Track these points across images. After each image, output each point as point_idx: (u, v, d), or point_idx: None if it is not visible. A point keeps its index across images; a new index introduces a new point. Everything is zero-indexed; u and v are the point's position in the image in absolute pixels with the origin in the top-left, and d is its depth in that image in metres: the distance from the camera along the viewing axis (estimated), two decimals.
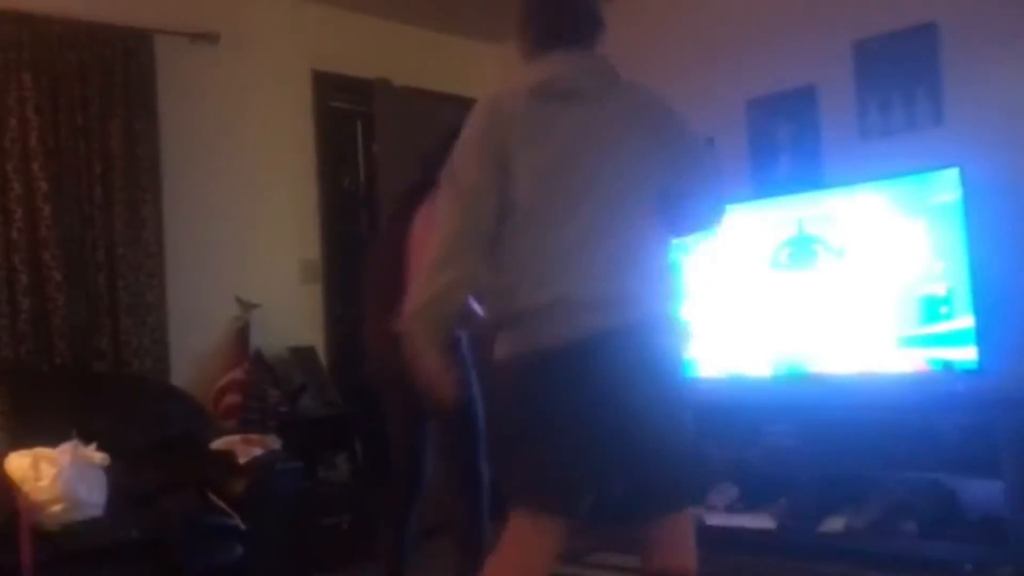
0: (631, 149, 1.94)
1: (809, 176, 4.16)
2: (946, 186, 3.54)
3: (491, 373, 1.97)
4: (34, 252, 3.68)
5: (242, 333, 4.18)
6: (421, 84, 4.90)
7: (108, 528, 2.93)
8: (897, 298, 3.66)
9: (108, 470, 3.04)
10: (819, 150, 4.18)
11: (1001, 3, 3.66)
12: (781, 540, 3.78)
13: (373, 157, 4.83)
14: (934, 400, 3.46)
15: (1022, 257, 3.58)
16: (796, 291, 3.95)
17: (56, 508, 2.85)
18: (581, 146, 1.91)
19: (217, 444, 3.51)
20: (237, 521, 3.16)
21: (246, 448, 3.45)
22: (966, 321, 3.48)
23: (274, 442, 3.58)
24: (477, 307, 2.30)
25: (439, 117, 4.95)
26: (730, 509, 3.98)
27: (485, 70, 5.50)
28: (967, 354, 3.47)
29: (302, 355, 4.41)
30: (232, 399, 3.97)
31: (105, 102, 3.89)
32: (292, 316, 4.51)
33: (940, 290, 3.55)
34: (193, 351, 4.14)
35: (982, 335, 3.46)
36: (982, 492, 3.54)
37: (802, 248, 3.93)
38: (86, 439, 3.05)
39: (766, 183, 4.30)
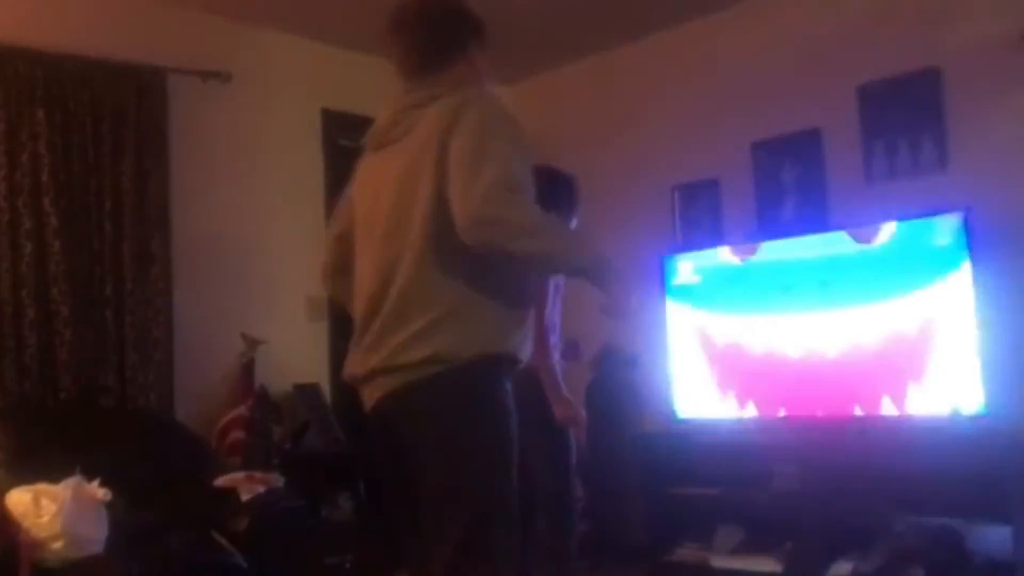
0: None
1: (815, 219, 4.17)
2: (951, 230, 3.55)
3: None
4: (42, 287, 3.70)
5: (247, 369, 4.18)
6: None
7: (109, 566, 2.90)
8: (904, 342, 3.65)
9: (110, 506, 3.02)
10: (825, 193, 4.20)
11: (1004, 48, 3.70)
12: None
13: None
14: (942, 444, 3.43)
15: None
16: (803, 334, 3.94)
17: (57, 545, 2.83)
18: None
19: (220, 481, 3.49)
20: (239, 559, 3.13)
21: (249, 485, 3.44)
22: (973, 365, 3.47)
23: (277, 480, 3.57)
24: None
25: None
26: (735, 552, 3.94)
27: None
28: (975, 398, 3.46)
29: (307, 392, 4.41)
30: (236, 436, 3.96)
31: (117, 139, 3.93)
32: (297, 353, 4.51)
33: (946, 334, 3.55)
34: (198, 387, 4.14)
35: (989, 379, 3.45)
36: (990, 537, 3.50)
37: (809, 291, 3.93)
38: (89, 475, 3.04)
39: (772, 225, 4.31)
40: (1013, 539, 3.24)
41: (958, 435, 3.41)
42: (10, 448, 3.27)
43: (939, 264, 3.58)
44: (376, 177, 1.99)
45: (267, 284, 4.45)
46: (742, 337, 4.11)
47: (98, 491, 3.03)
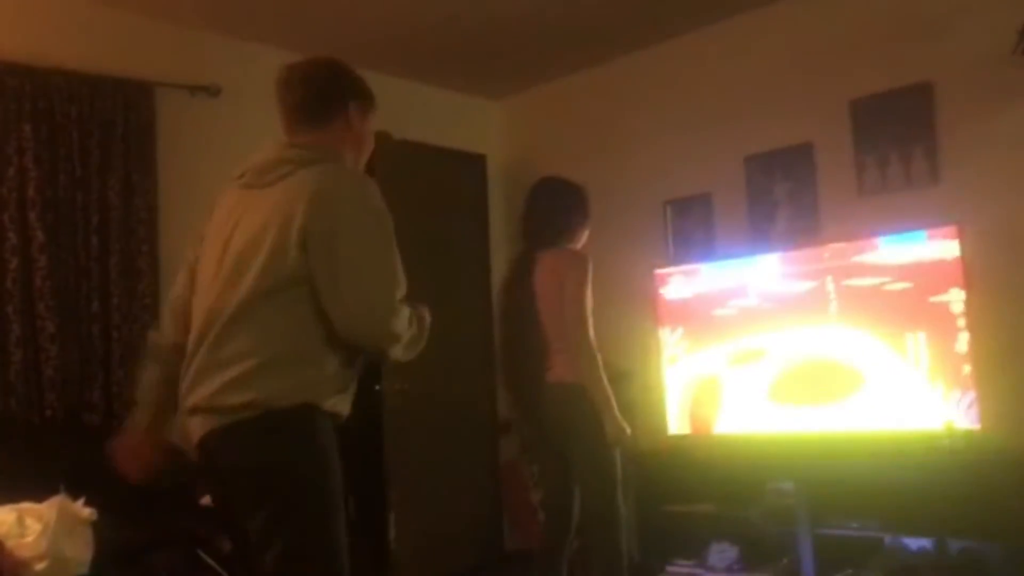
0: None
1: (807, 233, 4.16)
2: (943, 244, 3.54)
3: None
4: (28, 302, 3.66)
5: None
6: (421, 138, 4.93)
7: None
8: (898, 356, 3.64)
9: (95, 526, 2.98)
10: (817, 207, 4.19)
11: (995, 62, 3.70)
12: None
13: None
14: (937, 461, 3.41)
15: (1021, 314, 3.56)
16: (796, 348, 3.93)
17: (41, 566, 2.78)
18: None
19: (207, 500, 3.45)
20: None
21: None
22: (968, 380, 3.46)
23: None
24: None
25: (438, 171, 5.01)
26: (730, 570, 3.91)
27: (484, 125, 5.55)
28: (970, 414, 3.44)
29: None
30: None
31: (104, 154, 3.90)
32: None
33: (939, 348, 3.53)
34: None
35: (983, 394, 3.43)
36: (985, 554, 3.48)
37: (802, 306, 3.92)
38: (74, 494, 2.99)
39: (764, 239, 4.30)
40: (1003, 556, 3.22)
41: (953, 451, 3.39)
42: None
43: (931, 278, 3.57)
44: (236, 216, 2.06)
45: None
46: (735, 352, 4.09)
47: (83, 510, 2.99)
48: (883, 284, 3.70)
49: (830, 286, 3.83)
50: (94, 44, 4.00)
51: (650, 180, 4.79)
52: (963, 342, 3.47)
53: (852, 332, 3.76)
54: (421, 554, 4.38)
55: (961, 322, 3.48)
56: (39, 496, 2.94)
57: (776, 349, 3.98)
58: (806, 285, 3.90)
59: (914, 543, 3.63)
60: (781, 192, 4.31)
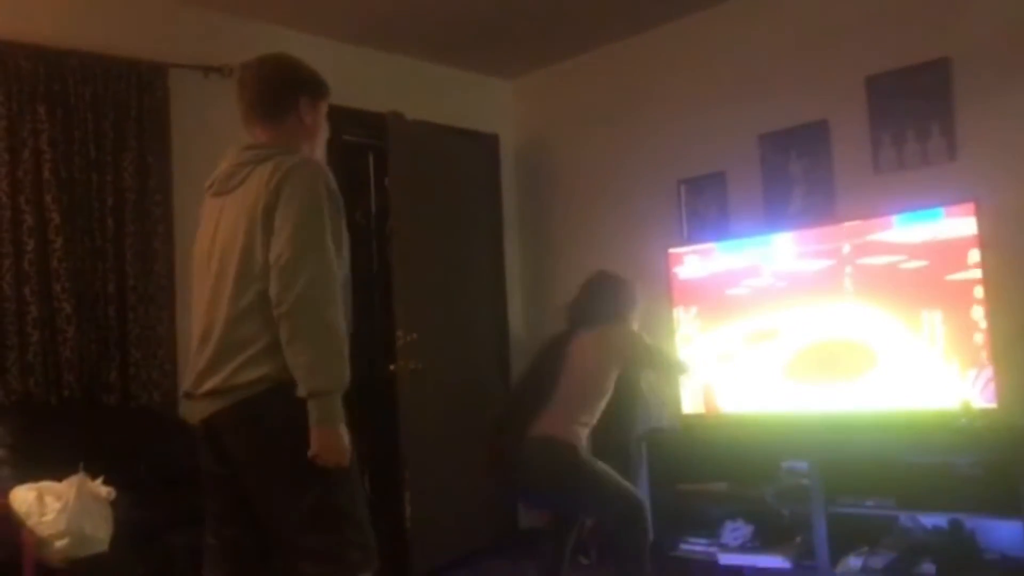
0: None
1: (823, 211, 4.14)
2: (960, 221, 3.51)
3: None
4: (45, 284, 3.68)
5: None
6: (434, 118, 4.92)
7: (113, 564, 2.89)
8: (914, 335, 3.62)
9: (114, 504, 3.01)
10: (832, 184, 4.16)
11: (1013, 37, 3.66)
12: None
13: (385, 190, 4.84)
14: (953, 439, 3.40)
15: None
16: (812, 326, 3.91)
17: (61, 543, 2.82)
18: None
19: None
20: None
21: None
22: (984, 358, 3.44)
23: None
24: None
25: (451, 150, 5.00)
26: (744, 548, 3.92)
27: (497, 105, 5.53)
28: (986, 393, 3.42)
29: None
30: None
31: (119, 135, 3.91)
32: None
33: (956, 326, 3.51)
34: None
35: (1000, 372, 3.41)
36: (1001, 532, 3.48)
37: (817, 285, 3.90)
38: (93, 473, 3.02)
39: (779, 218, 4.28)
40: (1019, 534, 3.21)
41: (970, 429, 3.37)
42: (14, 446, 3.26)
43: (949, 256, 3.54)
44: (215, 220, 2.26)
45: None
46: (749, 331, 4.08)
47: (102, 489, 3.02)
48: (899, 262, 3.67)
49: (846, 265, 3.81)
50: (108, 26, 4.00)
51: (664, 159, 4.76)
52: (979, 320, 3.45)
53: (868, 311, 3.74)
54: (436, 533, 4.41)
55: (978, 300, 3.46)
56: (58, 475, 2.97)
57: (791, 328, 3.96)
58: (821, 264, 3.88)
59: (928, 521, 3.63)
60: (796, 170, 4.28)
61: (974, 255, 3.47)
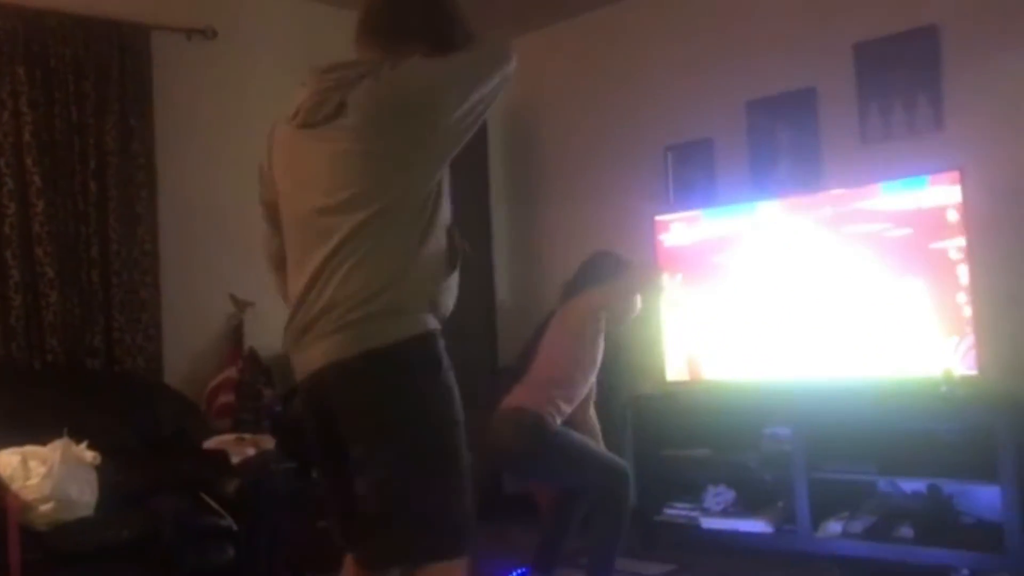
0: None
1: (809, 179, 4.14)
2: (945, 190, 3.52)
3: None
4: (27, 248, 3.65)
5: (236, 332, 4.14)
6: None
7: (98, 528, 2.89)
8: (897, 302, 3.64)
9: (99, 469, 3.01)
10: (819, 153, 4.16)
11: (1002, 6, 3.65)
12: (778, 544, 3.76)
13: None
14: (934, 406, 3.44)
15: (1021, 261, 3.56)
16: (795, 295, 3.93)
17: (46, 507, 2.82)
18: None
19: (210, 444, 3.48)
20: (229, 522, 3.13)
21: (239, 448, 3.42)
22: (965, 325, 3.47)
23: (268, 442, 3.55)
24: None
25: None
26: (726, 513, 3.96)
27: None
28: (966, 359, 3.46)
29: None
30: (225, 399, 3.94)
31: (100, 97, 3.86)
32: (287, 314, 4.46)
33: (939, 293, 3.54)
34: (187, 349, 4.11)
35: (981, 339, 3.44)
36: (979, 497, 3.53)
37: (802, 252, 3.91)
38: (77, 437, 3.02)
39: (766, 185, 4.28)
40: (1001, 499, 3.26)
41: (948, 395, 3.41)
42: None
43: (933, 224, 3.56)
44: (301, 158, 1.99)
45: (255, 245, 4.37)
46: (732, 298, 4.10)
47: (87, 453, 3.02)
48: (884, 230, 3.69)
49: (831, 233, 3.82)
50: None
51: (650, 125, 4.74)
52: (962, 288, 3.47)
53: (852, 278, 3.76)
54: None
55: (961, 268, 3.48)
56: (43, 440, 2.96)
57: (776, 295, 3.98)
58: (807, 231, 3.89)
59: (908, 486, 3.68)
60: (783, 138, 4.27)
61: (957, 223, 3.49)
